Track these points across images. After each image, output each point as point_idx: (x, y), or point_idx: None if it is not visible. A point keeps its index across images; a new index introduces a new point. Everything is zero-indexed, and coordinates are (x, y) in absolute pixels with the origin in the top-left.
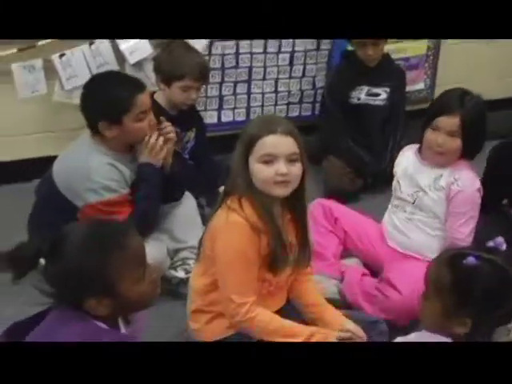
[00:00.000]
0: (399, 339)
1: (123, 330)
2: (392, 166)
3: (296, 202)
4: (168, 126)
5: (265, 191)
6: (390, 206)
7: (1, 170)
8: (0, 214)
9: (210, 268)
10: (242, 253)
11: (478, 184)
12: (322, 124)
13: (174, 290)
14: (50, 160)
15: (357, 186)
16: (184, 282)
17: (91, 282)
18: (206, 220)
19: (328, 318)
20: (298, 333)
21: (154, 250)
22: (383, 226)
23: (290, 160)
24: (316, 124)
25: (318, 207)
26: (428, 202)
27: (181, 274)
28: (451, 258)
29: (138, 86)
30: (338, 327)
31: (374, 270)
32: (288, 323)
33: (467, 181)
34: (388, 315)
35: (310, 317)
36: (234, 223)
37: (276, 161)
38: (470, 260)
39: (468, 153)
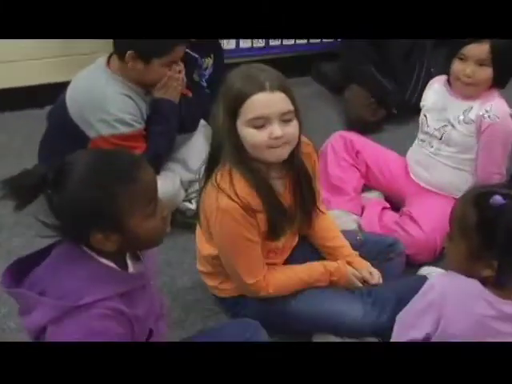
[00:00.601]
0: (425, 269)
1: (131, 268)
2: (418, 97)
3: (294, 161)
4: (178, 65)
5: (259, 158)
6: (416, 140)
7: (13, 95)
8: (11, 140)
9: (212, 240)
10: (241, 238)
11: (510, 118)
12: (343, 51)
13: (189, 222)
14: (63, 86)
15: (380, 117)
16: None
17: (98, 215)
18: None
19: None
20: (316, 277)
21: (167, 181)
22: (407, 160)
23: (284, 120)
24: (338, 51)
25: (338, 140)
26: (456, 137)
27: (195, 206)
28: (477, 197)
29: None
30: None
31: (395, 204)
32: (300, 271)
33: (499, 113)
34: (408, 250)
35: (331, 259)
36: (225, 209)
37: (268, 123)
38: (497, 199)
39: (499, 82)
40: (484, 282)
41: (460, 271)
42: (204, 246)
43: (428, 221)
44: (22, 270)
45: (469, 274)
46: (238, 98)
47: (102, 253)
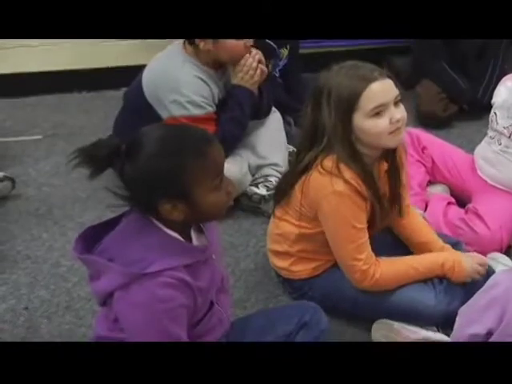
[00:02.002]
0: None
1: (196, 241)
2: (490, 95)
3: (393, 150)
4: (257, 54)
5: (377, 146)
6: (485, 137)
7: (90, 76)
8: (89, 120)
9: (298, 218)
10: (354, 220)
11: None
12: (415, 46)
13: (255, 206)
14: (138, 69)
15: (450, 112)
16: (265, 199)
17: (168, 184)
18: (291, 139)
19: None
20: (430, 268)
21: (235, 165)
22: (475, 157)
23: (396, 103)
24: (409, 46)
25: (405, 136)
26: None
27: (262, 191)
28: None
29: None
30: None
31: (460, 200)
32: (415, 262)
33: None
34: (473, 247)
35: (420, 251)
36: (342, 192)
37: (386, 109)
38: None
39: None
40: None
41: None
42: (285, 226)
43: (494, 218)
44: (93, 238)
45: None
46: (353, 95)
47: (168, 224)
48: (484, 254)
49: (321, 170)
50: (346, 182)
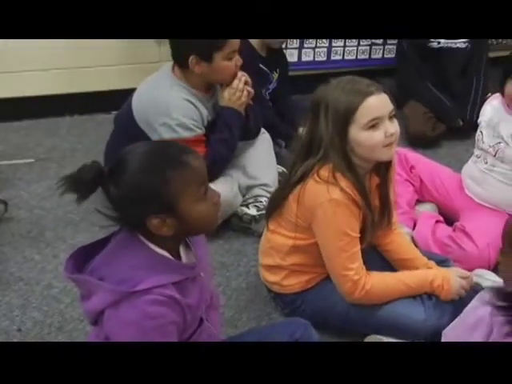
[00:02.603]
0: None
1: (184, 259)
2: (477, 114)
3: (385, 164)
4: (243, 76)
5: (371, 158)
6: (472, 156)
7: (82, 100)
8: (79, 142)
9: (292, 231)
10: (351, 230)
11: None
12: (399, 67)
13: (246, 226)
14: (128, 92)
15: (439, 132)
16: (256, 219)
17: (153, 199)
18: (281, 160)
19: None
20: (420, 285)
21: (225, 186)
22: (462, 175)
23: (390, 117)
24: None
25: (397, 157)
26: (510, 154)
27: (253, 211)
28: None
29: None
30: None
31: (448, 218)
32: (406, 278)
33: None
34: (461, 265)
35: (403, 267)
36: (339, 200)
37: (381, 122)
38: None
39: None
40: None
41: None
42: (278, 238)
43: (482, 236)
44: (83, 258)
45: None
46: (350, 108)
47: (157, 242)
48: (472, 271)
49: (317, 178)
50: (342, 190)
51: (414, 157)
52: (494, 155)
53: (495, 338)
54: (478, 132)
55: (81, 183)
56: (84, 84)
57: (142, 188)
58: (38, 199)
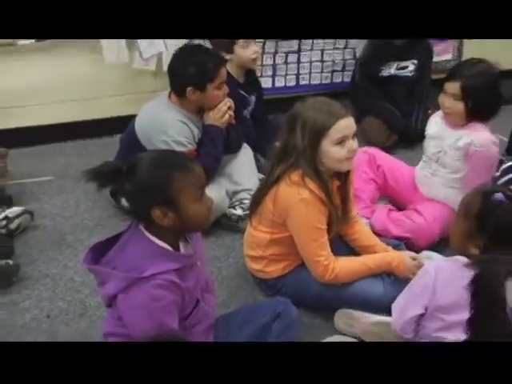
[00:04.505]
0: (425, 253)
1: (183, 250)
2: (422, 126)
3: (345, 171)
4: (229, 101)
5: (335, 168)
6: (420, 162)
7: (91, 126)
8: (90, 163)
9: (269, 226)
10: (319, 223)
11: (493, 145)
12: (351, 89)
13: (234, 225)
14: (128, 118)
15: (392, 142)
16: (242, 218)
17: (158, 193)
18: (261, 169)
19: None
20: (380, 266)
21: (214, 192)
22: (416, 174)
23: (353, 136)
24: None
25: (363, 155)
26: (449, 161)
27: (239, 211)
28: (485, 191)
29: (221, 59)
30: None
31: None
32: (368, 260)
33: (483, 142)
34: (412, 235)
35: (365, 253)
36: (307, 200)
37: (347, 140)
38: (499, 196)
39: (478, 116)
40: (470, 258)
41: (456, 247)
42: (258, 233)
43: (430, 213)
44: (100, 252)
45: (462, 249)
46: (325, 126)
47: (160, 236)
48: (421, 241)
49: (288, 182)
50: (311, 191)
51: (381, 156)
52: (436, 161)
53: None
54: (425, 142)
55: (101, 175)
56: (92, 112)
57: (149, 182)
58: (59, 209)
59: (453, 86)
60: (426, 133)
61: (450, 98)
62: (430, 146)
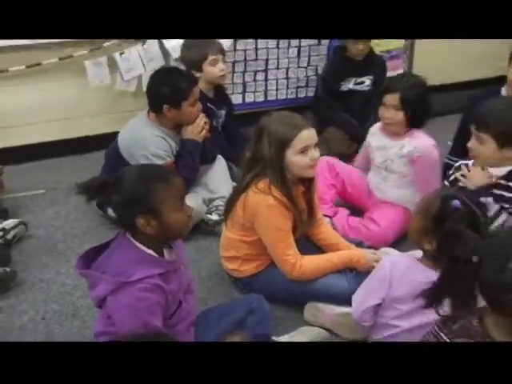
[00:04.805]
0: (383, 250)
1: (167, 256)
2: None
3: (308, 178)
4: (204, 118)
5: (299, 175)
6: (371, 169)
7: (76, 143)
8: (81, 175)
9: (240, 230)
10: (284, 226)
11: (434, 148)
12: (318, 104)
13: (211, 229)
14: (111, 135)
15: (353, 150)
16: (218, 222)
17: (142, 203)
18: (234, 177)
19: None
20: (343, 262)
21: (192, 200)
22: (369, 181)
23: (315, 146)
24: (312, 103)
25: (324, 163)
26: (397, 167)
27: (215, 217)
28: (445, 195)
29: (194, 79)
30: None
31: (361, 211)
32: (332, 257)
33: (424, 147)
34: (369, 241)
35: (330, 251)
36: (272, 206)
37: (309, 149)
38: (456, 203)
39: (415, 123)
40: (424, 252)
41: (414, 241)
42: (231, 235)
43: (384, 221)
44: (91, 257)
45: (417, 244)
46: (289, 137)
47: (146, 243)
48: (377, 246)
49: (255, 190)
50: (275, 198)
51: (340, 165)
52: (385, 169)
53: None
54: (371, 154)
55: (90, 188)
56: (76, 131)
57: (134, 194)
58: (51, 220)
59: (392, 98)
60: (366, 143)
61: (391, 109)
62: (376, 156)
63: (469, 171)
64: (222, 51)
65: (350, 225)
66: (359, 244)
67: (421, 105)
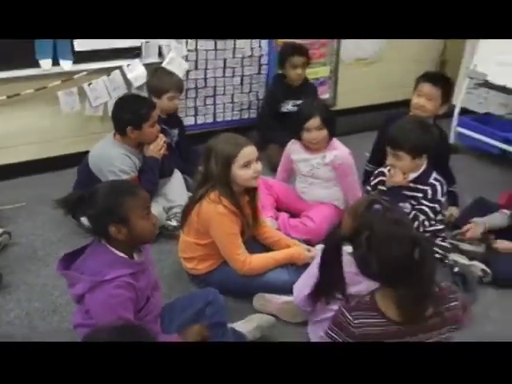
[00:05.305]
0: (318, 246)
1: (136, 258)
2: None
3: (253, 188)
4: (163, 138)
5: (243, 186)
6: (297, 179)
7: (51, 162)
8: (57, 189)
9: (195, 234)
10: (233, 230)
11: (350, 155)
12: (262, 125)
13: (171, 234)
14: (82, 154)
15: None
16: (177, 228)
17: (113, 213)
18: (189, 188)
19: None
20: (285, 258)
21: (155, 208)
22: (296, 189)
23: (256, 160)
24: (256, 124)
25: (262, 182)
26: (322, 174)
27: (174, 223)
28: (371, 200)
29: (152, 104)
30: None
31: (297, 215)
32: (275, 255)
33: (343, 155)
34: (307, 236)
35: (275, 248)
36: (223, 213)
37: (251, 163)
38: (377, 207)
39: (332, 136)
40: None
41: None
42: (188, 238)
43: (318, 217)
44: (70, 260)
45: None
46: (232, 154)
47: (118, 247)
48: (314, 239)
49: (208, 200)
50: (225, 206)
51: (272, 181)
52: (311, 176)
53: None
54: (295, 165)
55: (68, 202)
56: (51, 151)
57: (106, 206)
58: (31, 230)
59: (315, 122)
60: (286, 158)
61: (314, 131)
62: (300, 168)
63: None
64: (181, 90)
65: (291, 224)
66: (297, 240)
67: (333, 119)
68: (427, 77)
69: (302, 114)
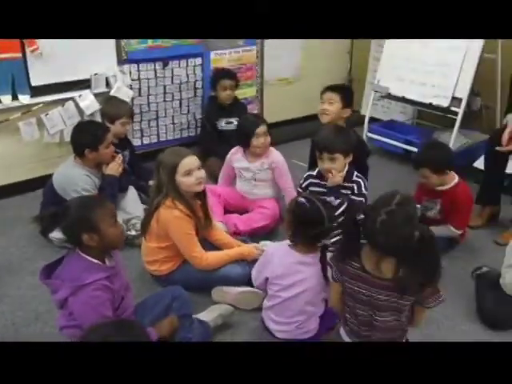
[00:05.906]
0: (262, 243)
1: (108, 263)
2: None
3: (200, 193)
4: (121, 157)
5: (190, 191)
6: (238, 183)
7: (16, 186)
8: (22, 210)
9: (156, 239)
10: (189, 231)
11: (283, 158)
12: (203, 141)
13: (131, 242)
14: (45, 177)
15: None
16: (136, 237)
17: (85, 222)
18: (143, 201)
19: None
20: (236, 255)
21: None
22: (239, 191)
23: (199, 168)
24: (198, 140)
25: (210, 191)
26: (264, 177)
27: (133, 232)
28: (299, 197)
29: (106, 128)
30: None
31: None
32: (228, 252)
33: (278, 159)
34: (267, 221)
35: (224, 248)
36: (179, 217)
37: (193, 171)
38: (301, 200)
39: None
40: (290, 239)
41: (286, 231)
42: (150, 244)
43: (270, 206)
44: (50, 269)
45: (287, 233)
46: (175, 164)
47: (91, 255)
48: (271, 224)
49: (164, 207)
50: (180, 210)
51: (220, 189)
52: (254, 179)
53: None
54: (237, 171)
55: (44, 218)
56: (15, 176)
57: (79, 217)
58: (5, 247)
59: (263, 128)
60: (228, 165)
61: (263, 136)
62: (243, 174)
63: (331, 175)
64: (132, 116)
65: (242, 219)
66: (244, 240)
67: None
68: (328, 87)
69: (249, 124)
